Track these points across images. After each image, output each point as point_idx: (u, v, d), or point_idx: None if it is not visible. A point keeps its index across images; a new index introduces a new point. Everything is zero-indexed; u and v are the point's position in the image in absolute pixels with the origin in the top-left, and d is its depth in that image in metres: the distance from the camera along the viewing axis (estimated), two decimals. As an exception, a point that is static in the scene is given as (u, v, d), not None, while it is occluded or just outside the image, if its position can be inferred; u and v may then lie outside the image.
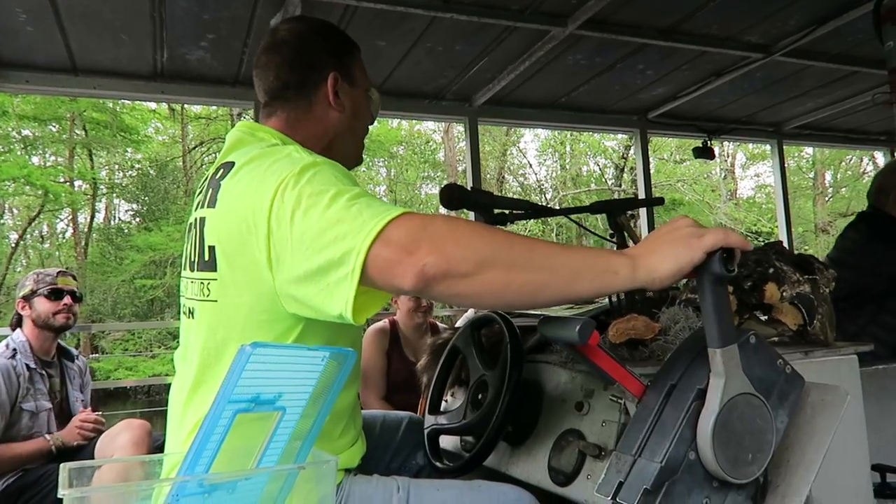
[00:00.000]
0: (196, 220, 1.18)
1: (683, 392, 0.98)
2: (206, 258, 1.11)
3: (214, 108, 15.72)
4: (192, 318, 1.17)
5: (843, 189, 19.76)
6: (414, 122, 17.85)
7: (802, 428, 1.04)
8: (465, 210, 1.68)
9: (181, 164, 17.23)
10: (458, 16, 2.79)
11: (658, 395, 0.99)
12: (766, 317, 1.44)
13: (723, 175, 19.59)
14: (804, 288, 1.34)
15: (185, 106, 15.67)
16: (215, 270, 1.10)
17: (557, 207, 1.72)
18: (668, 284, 0.92)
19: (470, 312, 3.21)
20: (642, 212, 4.46)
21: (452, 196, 1.52)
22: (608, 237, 1.68)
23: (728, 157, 19.58)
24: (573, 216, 1.73)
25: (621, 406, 1.22)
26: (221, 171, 1.17)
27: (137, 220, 17.49)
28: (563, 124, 4.52)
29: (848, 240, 2.77)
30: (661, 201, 1.98)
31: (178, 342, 1.25)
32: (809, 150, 18.57)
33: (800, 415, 1.05)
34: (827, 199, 19.98)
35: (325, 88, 1.29)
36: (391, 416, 1.62)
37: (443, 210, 1.73)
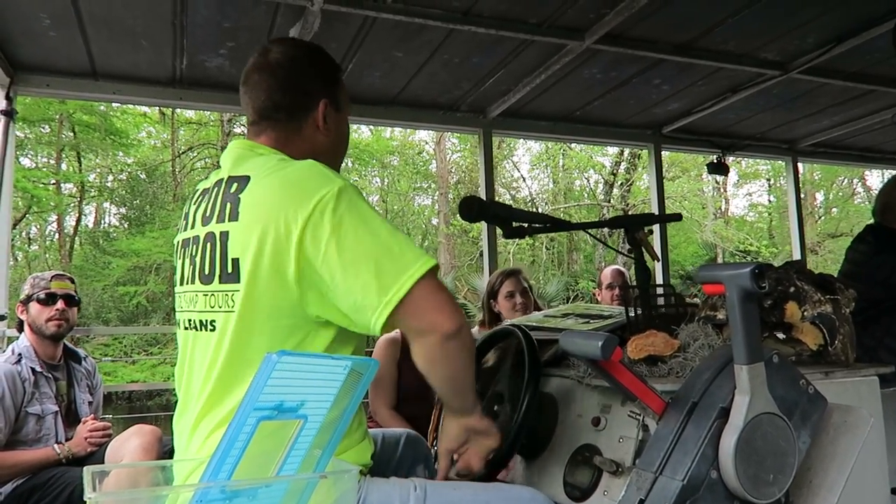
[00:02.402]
0: (213, 233, 1.19)
1: (706, 410, 0.97)
2: (230, 270, 1.14)
3: (208, 112, 15.63)
4: (211, 329, 1.18)
5: (834, 210, 19.70)
6: (407, 132, 17.87)
7: (825, 449, 1.03)
8: (482, 222, 1.68)
9: (170, 168, 17.14)
10: (476, 28, 2.81)
11: (680, 413, 0.99)
12: (784, 336, 1.43)
13: (713, 193, 19.60)
14: (826, 308, 1.33)
15: (176, 111, 15.50)
16: (238, 282, 1.13)
17: (574, 221, 1.72)
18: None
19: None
20: (656, 226, 4.44)
21: (472, 208, 1.52)
22: (625, 252, 1.67)
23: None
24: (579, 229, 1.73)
25: (639, 422, 1.21)
26: (236, 185, 1.19)
27: (126, 224, 17.39)
28: (576, 137, 4.52)
29: (858, 252, 2.75)
30: (678, 217, 1.96)
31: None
32: (801, 168, 18.45)
33: (822, 436, 1.04)
34: (818, 219, 19.88)
35: (315, 114, 1.32)
36: (389, 432, 1.63)
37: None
